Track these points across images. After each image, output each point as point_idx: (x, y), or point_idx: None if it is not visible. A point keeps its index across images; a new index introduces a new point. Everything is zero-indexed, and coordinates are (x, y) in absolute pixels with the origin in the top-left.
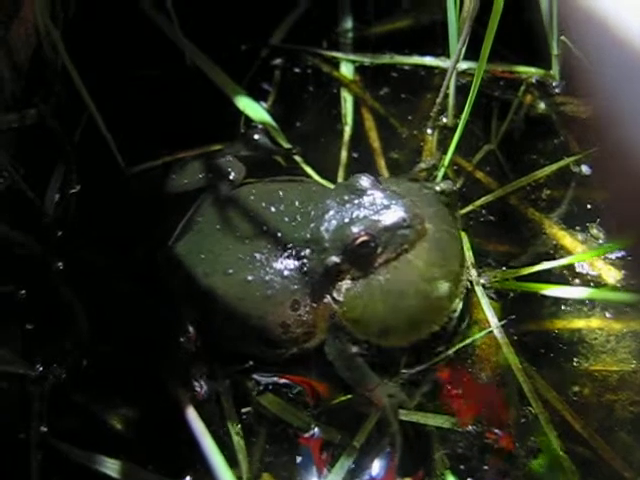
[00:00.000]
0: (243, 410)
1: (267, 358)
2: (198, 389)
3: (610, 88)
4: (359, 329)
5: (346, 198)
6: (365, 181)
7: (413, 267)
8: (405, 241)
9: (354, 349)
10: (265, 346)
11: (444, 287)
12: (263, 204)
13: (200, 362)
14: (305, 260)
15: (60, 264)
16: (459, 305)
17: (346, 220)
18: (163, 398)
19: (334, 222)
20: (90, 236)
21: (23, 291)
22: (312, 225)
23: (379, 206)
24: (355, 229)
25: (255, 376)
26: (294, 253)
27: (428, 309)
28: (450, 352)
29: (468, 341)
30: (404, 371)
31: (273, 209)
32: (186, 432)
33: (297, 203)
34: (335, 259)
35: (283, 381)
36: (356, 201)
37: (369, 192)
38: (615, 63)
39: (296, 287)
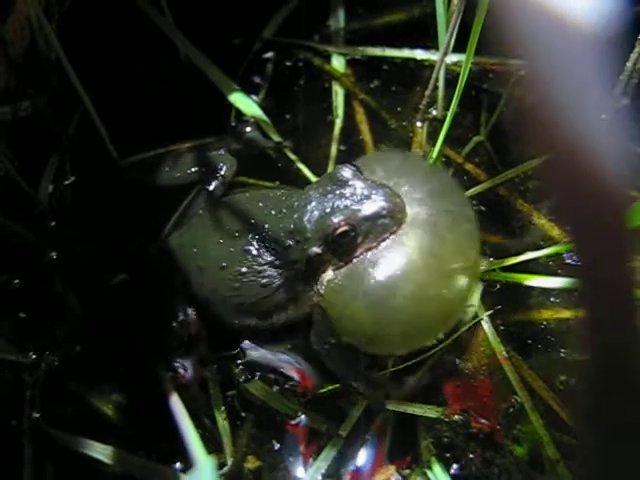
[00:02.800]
0: (230, 396)
1: (259, 330)
2: (182, 371)
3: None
4: (341, 329)
5: (328, 189)
6: (347, 172)
7: (404, 260)
8: (386, 230)
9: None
10: (258, 319)
11: (448, 281)
12: (252, 201)
13: (192, 348)
14: (290, 250)
15: (53, 254)
16: (476, 300)
17: (327, 210)
18: (153, 385)
19: (316, 213)
20: (83, 227)
21: (17, 280)
22: (295, 216)
23: (359, 196)
24: (335, 219)
25: (242, 362)
26: (280, 244)
27: (422, 309)
28: (440, 345)
29: (456, 332)
30: (391, 369)
31: (261, 204)
32: (175, 418)
33: (283, 197)
34: (316, 249)
35: (271, 368)
36: (337, 191)
37: (350, 182)
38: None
39: (287, 274)
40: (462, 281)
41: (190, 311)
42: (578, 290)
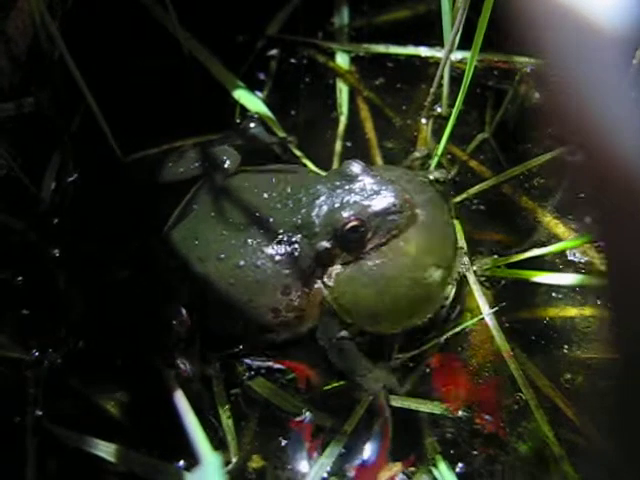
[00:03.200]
0: (234, 393)
1: (259, 343)
2: (182, 367)
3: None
4: (349, 315)
5: (337, 184)
6: (356, 167)
7: (404, 253)
8: (395, 226)
9: (345, 335)
10: (257, 331)
11: (435, 274)
12: (256, 191)
13: (191, 345)
14: (296, 245)
15: (56, 251)
16: (451, 292)
17: (336, 205)
18: (156, 382)
19: (325, 207)
20: (86, 224)
21: (20, 277)
22: (303, 211)
23: (369, 191)
24: (345, 214)
25: (247, 360)
26: (285, 239)
27: (419, 296)
28: (442, 339)
29: (460, 328)
30: (397, 356)
31: (266, 196)
32: (179, 415)
33: (289, 189)
34: (325, 244)
35: (275, 366)
36: (347, 187)
37: (360, 178)
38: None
39: (287, 272)
40: (443, 273)
41: (183, 311)
42: (603, 285)
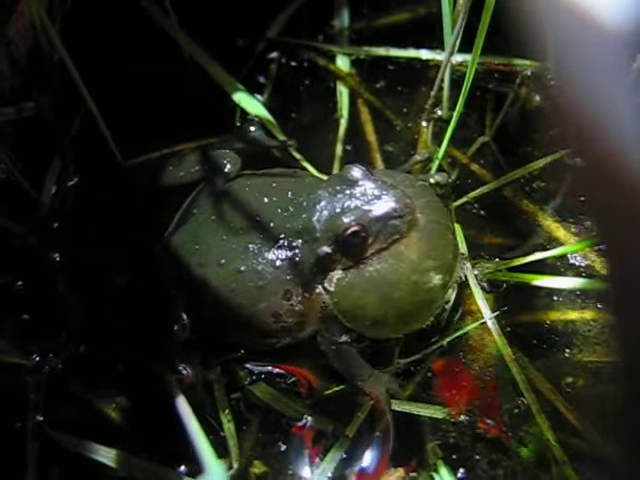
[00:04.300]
0: (235, 398)
1: (260, 348)
2: (185, 373)
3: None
4: (350, 320)
5: (338, 188)
6: (357, 172)
7: (404, 258)
8: (396, 231)
9: (346, 339)
10: (257, 336)
11: (436, 278)
12: (257, 195)
13: (192, 349)
14: (297, 250)
15: (56, 256)
16: (452, 297)
17: (337, 210)
18: (157, 387)
19: (325, 212)
20: (87, 228)
21: (20, 282)
22: (304, 215)
23: (370, 196)
24: (346, 219)
25: (248, 365)
26: (286, 243)
27: (420, 301)
28: (443, 343)
29: (461, 332)
30: (399, 361)
31: (266, 200)
32: (180, 421)
33: (290, 194)
34: (326, 249)
35: (276, 371)
36: (347, 191)
37: (360, 182)
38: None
39: (288, 277)
40: (444, 277)
41: (184, 315)
42: (605, 291)
